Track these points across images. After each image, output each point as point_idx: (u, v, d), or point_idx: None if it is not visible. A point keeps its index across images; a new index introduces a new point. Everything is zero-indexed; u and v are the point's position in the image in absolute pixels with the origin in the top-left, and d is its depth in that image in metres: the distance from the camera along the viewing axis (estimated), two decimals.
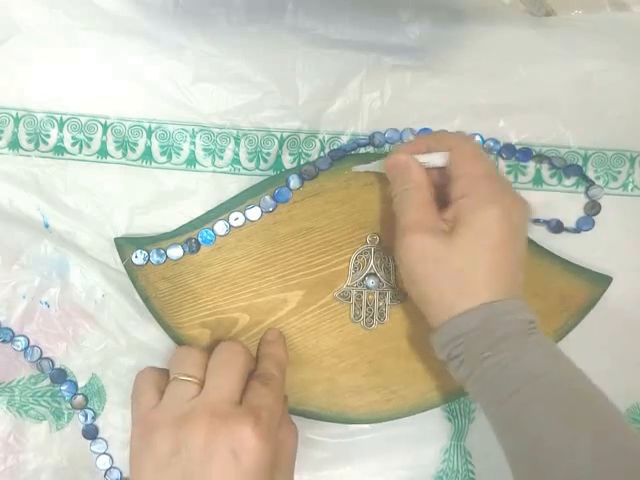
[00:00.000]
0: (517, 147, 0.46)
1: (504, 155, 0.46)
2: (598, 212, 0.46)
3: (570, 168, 0.46)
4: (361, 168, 0.45)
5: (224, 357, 0.39)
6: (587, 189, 0.46)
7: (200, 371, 0.38)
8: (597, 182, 0.46)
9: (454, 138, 0.41)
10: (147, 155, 0.46)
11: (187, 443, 0.35)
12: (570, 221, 0.46)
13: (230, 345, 0.40)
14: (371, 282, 0.45)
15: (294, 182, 0.45)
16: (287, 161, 0.46)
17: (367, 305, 0.45)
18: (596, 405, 0.35)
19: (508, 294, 0.37)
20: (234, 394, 0.37)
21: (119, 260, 0.45)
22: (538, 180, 0.46)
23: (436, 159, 0.40)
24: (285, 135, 0.46)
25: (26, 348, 0.45)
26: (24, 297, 0.46)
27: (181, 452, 0.35)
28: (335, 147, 0.46)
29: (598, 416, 0.35)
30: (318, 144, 0.46)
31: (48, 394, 0.46)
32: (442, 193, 0.40)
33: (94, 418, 0.46)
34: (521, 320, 0.37)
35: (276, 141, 0.46)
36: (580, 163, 0.46)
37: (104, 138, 0.46)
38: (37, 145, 0.46)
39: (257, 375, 0.40)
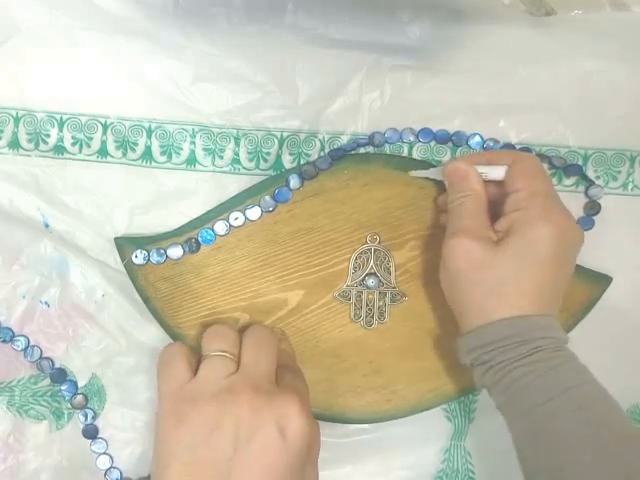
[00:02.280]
0: (517, 147, 0.46)
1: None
2: (598, 212, 0.46)
3: (570, 168, 0.46)
4: (418, 174, 0.45)
5: (261, 335, 0.40)
6: (587, 189, 0.46)
7: (236, 348, 0.38)
8: (597, 182, 0.46)
9: (515, 154, 0.42)
10: (147, 155, 0.46)
11: (230, 419, 0.34)
12: None
13: (263, 326, 0.42)
14: (371, 282, 0.45)
15: (294, 182, 0.45)
16: (287, 161, 0.46)
17: (367, 305, 0.45)
18: (622, 420, 0.36)
19: (545, 311, 0.38)
20: (272, 372, 0.37)
21: (119, 260, 0.45)
22: None
23: (495, 172, 0.40)
24: (285, 135, 0.46)
25: (26, 348, 0.45)
26: (24, 297, 0.46)
27: (223, 428, 0.34)
28: (335, 147, 0.46)
29: (624, 432, 0.35)
30: (318, 144, 0.46)
31: (48, 394, 0.46)
32: (494, 208, 0.40)
33: (94, 418, 0.46)
34: (554, 337, 0.37)
35: (276, 141, 0.46)
36: (580, 163, 0.46)
37: (104, 138, 0.46)
38: (37, 145, 0.46)
39: (284, 367, 0.40)
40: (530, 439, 0.37)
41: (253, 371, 0.37)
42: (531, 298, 0.37)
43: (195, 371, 0.37)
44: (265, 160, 0.46)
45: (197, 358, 0.39)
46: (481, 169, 0.41)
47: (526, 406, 0.36)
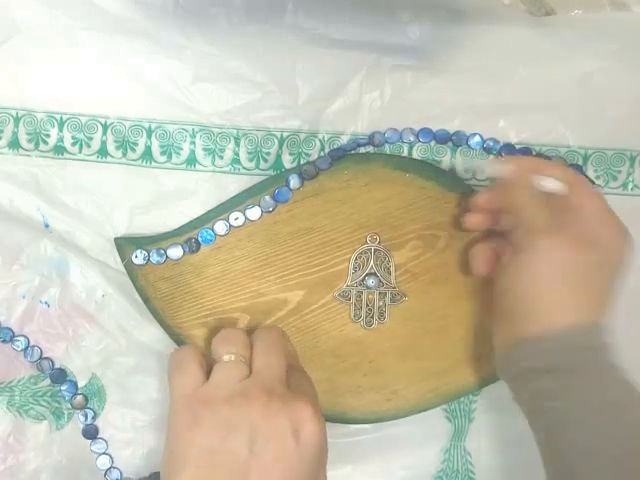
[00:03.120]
0: (517, 147, 0.46)
1: (504, 155, 0.46)
2: None
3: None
4: (467, 163, 0.45)
5: (271, 338, 0.40)
6: None
7: (247, 351, 0.38)
8: (597, 182, 0.46)
9: (569, 171, 0.42)
10: (147, 155, 0.46)
11: (246, 423, 0.34)
12: None
13: (273, 328, 0.42)
14: (371, 282, 0.45)
15: (294, 182, 0.45)
16: (287, 161, 0.46)
17: (367, 305, 0.45)
18: None
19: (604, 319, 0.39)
20: (283, 376, 0.37)
21: (119, 260, 0.45)
22: None
23: (555, 185, 0.40)
24: (285, 135, 0.46)
25: (26, 348, 0.45)
26: (24, 297, 0.46)
27: (238, 432, 0.34)
28: (335, 147, 0.46)
29: None
30: (318, 144, 0.46)
31: (48, 394, 0.46)
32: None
33: (94, 418, 0.46)
34: (597, 346, 0.38)
35: (276, 141, 0.46)
36: (580, 163, 0.46)
37: (104, 138, 0.46)
38: (37, 145, 0.46)
39: (293, 366, 0.40)
40: (554, 456, 0.37)
41: (266, 375, 0.37)
42: (605, 305, 0.39)
43: (207, 374, 0.37)
44: (265, 160, 0.46)
45: (208, 361, 0.38)
46: (542, 180, 0.40)
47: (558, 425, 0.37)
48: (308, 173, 0.45)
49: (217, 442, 0.34)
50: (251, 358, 0.38)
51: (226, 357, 0.37)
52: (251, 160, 0.46)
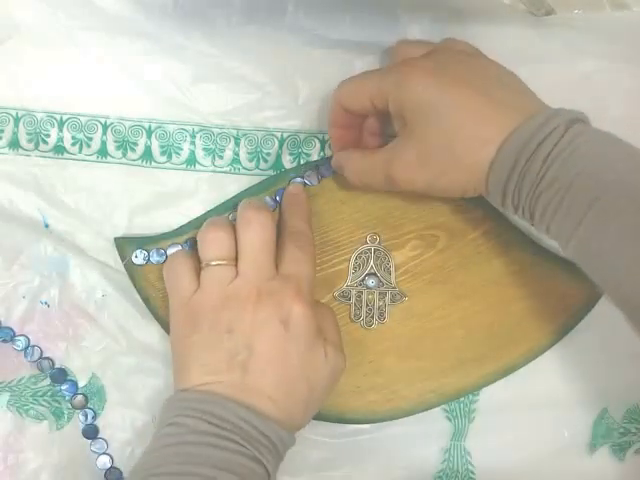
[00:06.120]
0: None
1: None
2: None
3: None
4: None
5: (251, 232, 0.39)
6: None
7: (231, 251, 0.39)
8: None
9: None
10: (147, 155, 0.46)
11: (239, 323, 0.37)
12: None
13: (254, 209, 0.40)
14: (371, 282, 0.45)
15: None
16: (287, 161, 0.46)
17: (367, 305, 0.45)
18: None
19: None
20: (270, 266, 0.39)
21: (119, 260, 0.45)
22: None
23: None
24: (285, 135, 0.46)
25: (26, 348, 0.45)
26: (24, 297, 0.46)
27: (233, 332, 0.37)
28: None
29: None
30: (318, 144, 0.46)
31: (48, 394, 0.46)
32: None
33: (94, 418, 0.46)
34: (561, 123, 0.36)
35: (276, 141, 0.46)
36: None
37: (104, 138, 0.46)
38: (37, 145, 0.46)
39: (290, 235, 0.41)
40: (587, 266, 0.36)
41: (251, 275, 0.38)
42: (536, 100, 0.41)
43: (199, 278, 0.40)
44: (265, 160, 0.46)
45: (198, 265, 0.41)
46: None
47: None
48: (310, 180, 0.45)
49: (216, 343, 0.37)
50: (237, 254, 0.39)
51: (214, 263, 0.39)
52: (251, 160, 0.46)
